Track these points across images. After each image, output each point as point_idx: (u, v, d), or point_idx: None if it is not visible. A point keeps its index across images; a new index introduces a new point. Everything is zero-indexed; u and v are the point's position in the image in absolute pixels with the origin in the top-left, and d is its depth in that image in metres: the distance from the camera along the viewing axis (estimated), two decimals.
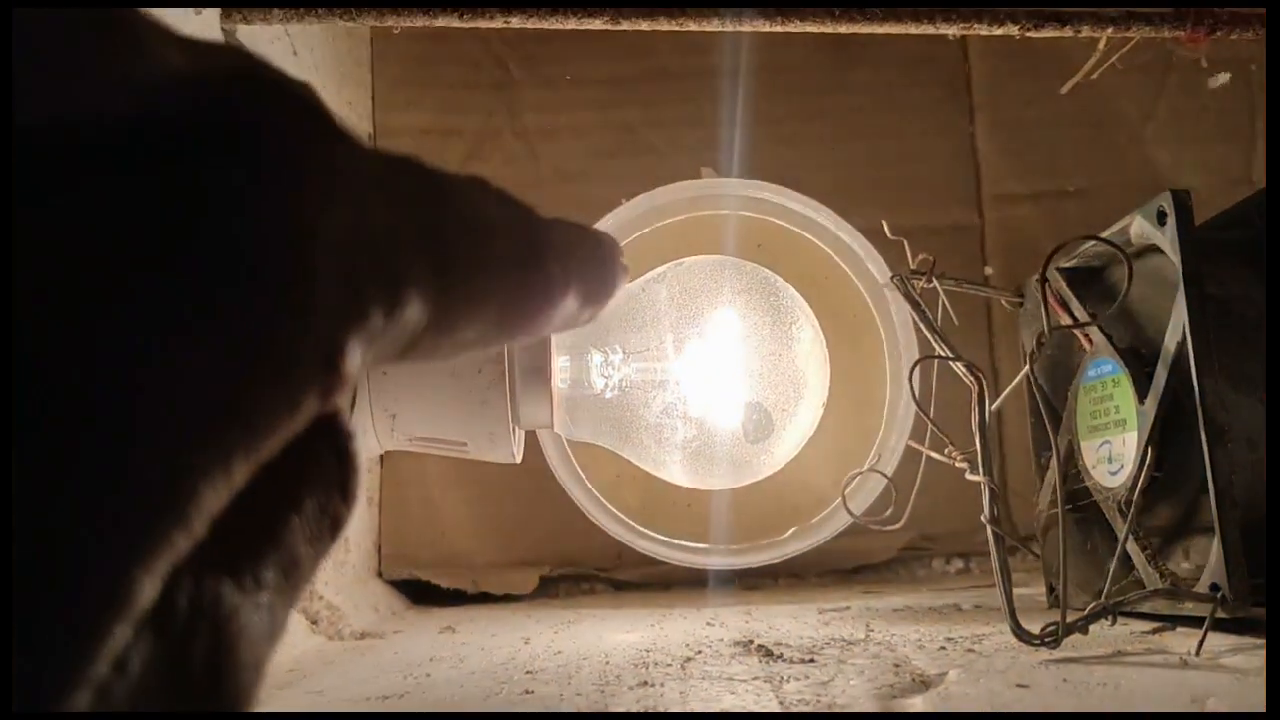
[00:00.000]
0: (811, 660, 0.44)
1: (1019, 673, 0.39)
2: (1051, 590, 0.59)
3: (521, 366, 0.52)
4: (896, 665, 0.42)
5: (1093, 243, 0.51)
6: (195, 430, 0.10)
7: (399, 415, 0.53)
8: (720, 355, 0.53)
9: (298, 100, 0.11)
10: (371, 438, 0.53)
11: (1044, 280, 0.42)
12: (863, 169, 0.79)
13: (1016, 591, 0.64)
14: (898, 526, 0.62)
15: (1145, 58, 0.72)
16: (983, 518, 0.44)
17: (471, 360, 0.51)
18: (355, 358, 0.12)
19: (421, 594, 0.73)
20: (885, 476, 0.64)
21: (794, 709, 0.35)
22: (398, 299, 0.12)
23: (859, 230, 0.71)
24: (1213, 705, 0.32)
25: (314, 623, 0.59)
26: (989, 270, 0.79)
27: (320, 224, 0.11)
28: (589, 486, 0.68)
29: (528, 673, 0.44)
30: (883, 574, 0.75)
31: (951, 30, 0.54)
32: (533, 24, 0.54)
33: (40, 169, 0.10)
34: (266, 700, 0.42)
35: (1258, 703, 0.33)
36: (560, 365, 0.54)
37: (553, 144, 0.79)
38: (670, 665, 0.44)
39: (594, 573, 0.75)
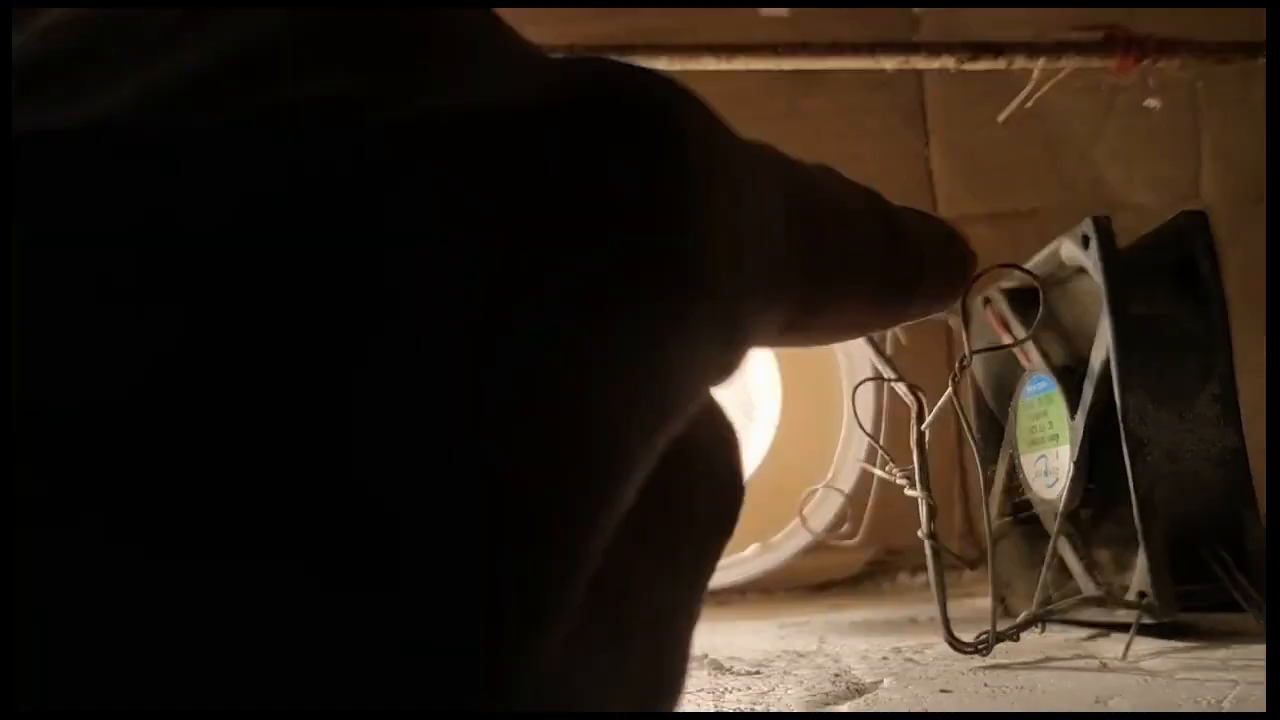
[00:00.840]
0: (758, 672, 0.46)
1: (947, 679, 0.41)
2: (1002, 601, 0.61)
3: None
4: (837, 675, 0.44)
5: (1028, 265, 0.53)
6: (627, 398, 0.10)
7: None
8: None
9: (685, 95, 0.11)
10: None
11: (965, 307, 0.44)
12: None
13: (975, 603, 0.66)
14: (854, 542, 0.64)
15: (1093, 79, 0.74)
16: (920, 533, 0.46)
17: None
18: (749, 338, 0.12)
19: None
20: (841, 493, 0.66)
21: None
22: (782, 282, 0.12)
23: None
24: (1115, 705, 0.34)
25: None
26: None
27: (719, 212, 0.11)
28: None
29: None
30: (850, 588, 0.77)
31: (891, 64, 0.57)
32: None
33: (468, 145, 0.10)
34: None
35: (1160, 701, 0.35)
36: None
37: None
38: None
39: None
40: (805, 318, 0.13)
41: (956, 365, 0.43)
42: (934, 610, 0.65)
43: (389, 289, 0.09)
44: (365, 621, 0.08)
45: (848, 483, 0.67)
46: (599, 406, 0.10)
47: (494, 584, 0.09)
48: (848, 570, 0.77)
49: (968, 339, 0.43)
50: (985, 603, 0.62)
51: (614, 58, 0.12)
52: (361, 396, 0.09)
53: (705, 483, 0.13)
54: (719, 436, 0.14)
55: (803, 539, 0.68)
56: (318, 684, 0.08)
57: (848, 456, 0.68)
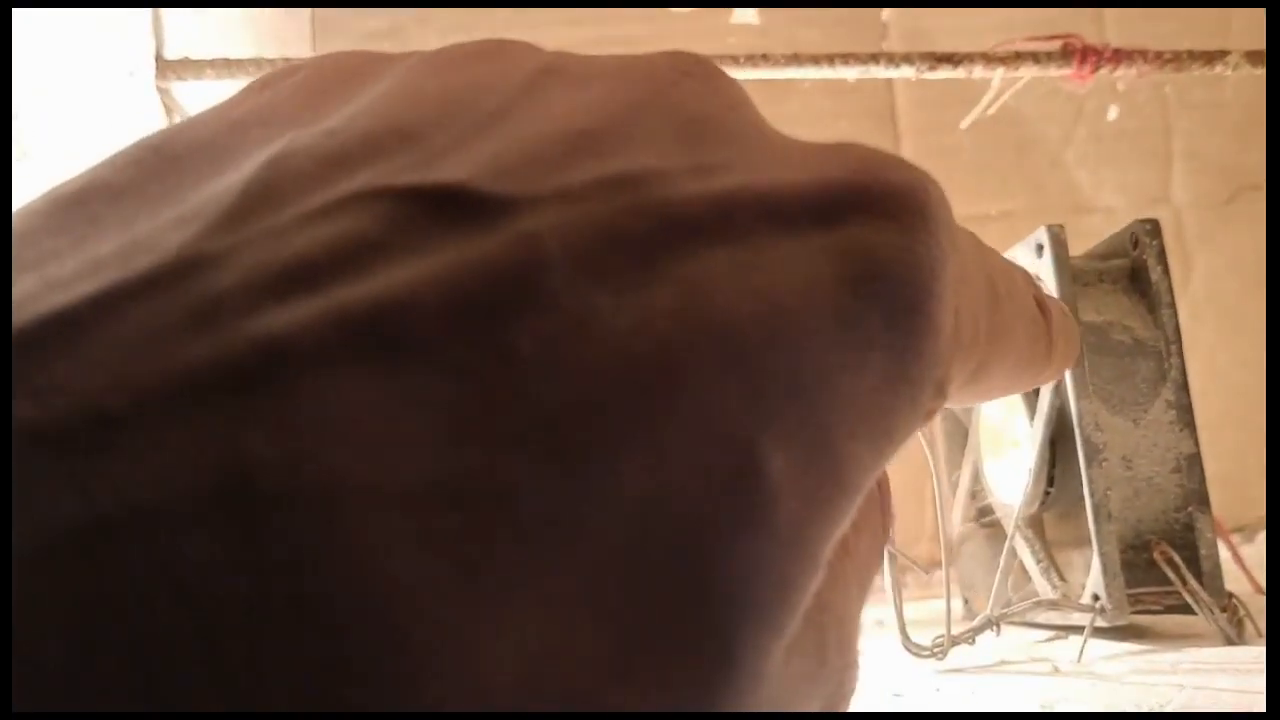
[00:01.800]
0: None
1: (900, 683, 0.41)
2: (966, 603, 0.61)
3: None
4: None
5: None
6: (866, 431, 0.11)
7: None
8: None
9: (932, 181, 0.13)
10: None
11: None
12: None
13: (940, 604, 0.66)
14: None
15: (1059, 85, 0.75)
16: None
17: None
18: (949, 390, 0.13)
19: None
20: None
21: None
22: (975, 338, 0.13)
23: None
24: (1059, 709, 0.35)
25: None
26: None
27: (952, 283, 0.12)
28: None
29: None
30: None
31: (851, 74, 0.57)
32: None
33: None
34: None
35: (1104, 704, 0.35)
36: None
37: None
38: None
39: None
40: (973, 379, 0.14)
41: None
42: (885, 614, 0.65)
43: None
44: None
45: None
46: (845, 435, 0.11)
47: (752, 583, 0.09)
48: None
49: None
50: (952, 604, 0.63)
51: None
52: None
53: (882, 503, 0.15)
54: None
55: None
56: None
57: None
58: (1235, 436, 0.73)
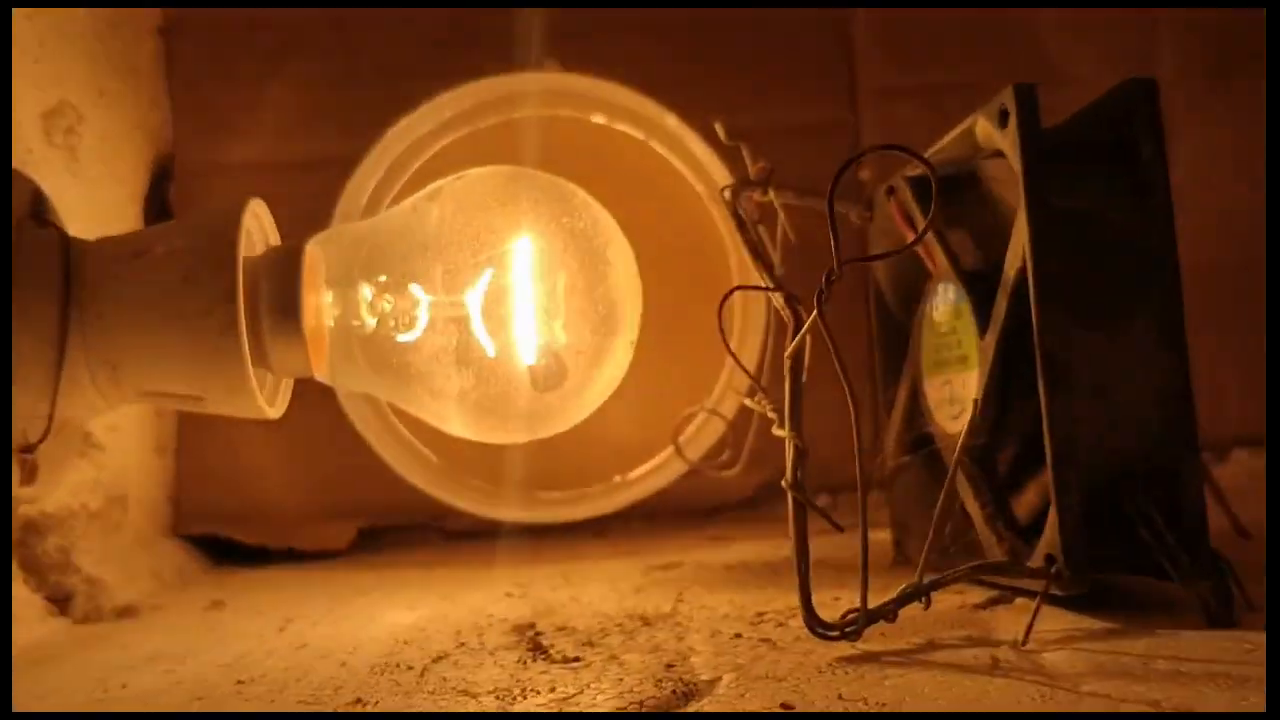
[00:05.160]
0: (578, 658, 0.37)
1: (796, 680, 0.32)
2: (898, 544, 0.52)
3: (269, 304, 0.44)
4: (669, 666, 0.35)
5: (936, 147, 0.43)
6: None
7: (120, 366, 0.44)
8: (504, 288, 0.45)
9: None
10: (90, 392, 0.45)
11: (831, 196, 0.34)
12: (722, 59, 0.69)
13: (873, 535, 0.57)
14: (734, 472, 0.55)
15: None
16: (783, 482, 0.37)
17: (198, 300, 0.43)
18: None
19: (227, 552, 0.65)
20: (723, 418, 0.56)
21: None
22: None
23: (709, 130, 0.62)
24: None
25: (66, 599, 0.51)
26: (865, 175, 0.71)
27: None
28: (399, 429, 0.61)
29: (239, 682, 0.37)
30: (742, 513, 0.68)
31: None
32: None
33: None
34: None
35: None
36: (324, 301, 0.46)
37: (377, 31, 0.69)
38: (412, 669, 0.37)
39: (425, 522, 0.68)
40: None
41: (823, 279, 0.33)
42: (830, 548, 0.56)
43: None
44: None
45: (732, 408, 0.57)
46: None
47: None
48: (735, 494, 0.67)
49: (835, 242, 0.33)
50: (884, 535, 0.54)
51: None
52: None
53: None
54: None
55: (677, 468, 0.59)
56: None
57: (735, 379, 0.58)
58: (1208, 342, 0.64)
